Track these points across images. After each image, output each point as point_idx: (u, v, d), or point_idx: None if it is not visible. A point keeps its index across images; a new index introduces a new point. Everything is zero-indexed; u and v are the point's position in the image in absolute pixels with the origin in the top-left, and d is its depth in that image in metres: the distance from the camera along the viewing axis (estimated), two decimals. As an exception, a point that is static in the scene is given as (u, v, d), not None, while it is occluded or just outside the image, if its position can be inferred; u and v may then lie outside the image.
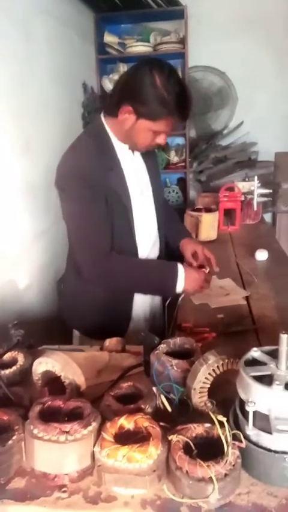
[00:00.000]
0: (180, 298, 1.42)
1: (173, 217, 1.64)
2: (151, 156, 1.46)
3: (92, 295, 1.38)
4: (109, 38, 3.08)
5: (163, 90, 1.14)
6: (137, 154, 1.38)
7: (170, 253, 1.57)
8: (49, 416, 0.74)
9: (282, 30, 3.18)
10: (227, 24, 3.18)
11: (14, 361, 0.97)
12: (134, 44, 3.06)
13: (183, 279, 1.29)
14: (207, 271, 1.42)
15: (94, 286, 1.35)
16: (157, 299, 1.57)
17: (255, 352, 0.76)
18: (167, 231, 1.52)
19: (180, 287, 1.29)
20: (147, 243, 1.42)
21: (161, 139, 1.26)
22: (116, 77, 3.15)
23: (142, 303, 1.47)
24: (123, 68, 3.14)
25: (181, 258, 1.53)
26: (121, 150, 1.31)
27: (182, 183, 3.42)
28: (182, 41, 3.06)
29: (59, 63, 2.32)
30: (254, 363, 0.76)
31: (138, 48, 3.04)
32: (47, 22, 2.15)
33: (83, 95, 2.78)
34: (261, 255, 1.78)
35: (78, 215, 1.25)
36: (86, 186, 1.21)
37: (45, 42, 2.12)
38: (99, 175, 1.22)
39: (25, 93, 1.90)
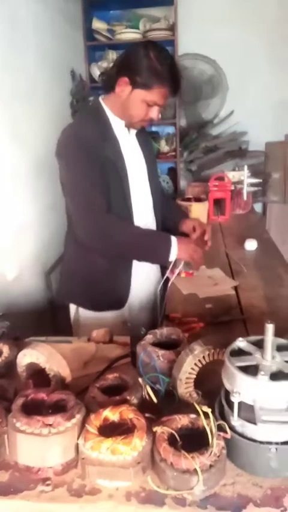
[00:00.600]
0: (169, 283, 1.45)
1: (169, 200, 1.74)
2: (146, 139, 1.54)
3: (91, 264, 1.43)
4: (98, 24, 3.01)
5: (156, 61, 1.26)
6: (132, 134, 1.45)
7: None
8: (33, 409, 0.73)
9: (274, 18, 3.14)
10: (218, 10, 3.13)
11: (-2, 354, 0.96)
12: (123, 30, 2.99)
13: (176, 248, 1.35)
14: (207, 247, 1.47)
15: (93, 255, 1.40)
16: (156, 284, 1.60)
17: (241, 342, 0.75)
18: (165, 214, 1.58)
19: (173, 255, 1.35)
20: (143, 218, 1.46)
21: (154, 113, 1.34)
22: (104, 64, 3.09)
23: (141, 281, 1.51)
24: (112, 54, 3.08)
25: None
26: (117, 126, 1.39)
27: (172, 172, 3.40)
28: (172, 28, 3.00)
29: (46, 50, 2.26)
30: (240, 353, 0.75)
31: (128, 35, 2.98)
32: (33, 7, 2.08)
33: (71, 82, 2.73)
34: (251, 245, 1.78)
35: (75, 177, 1.31)
36: (82, 150, 1.29)
37: (31, 28, 2.06)
38: (95, 143, 1.30)
39: (12, 80, 1.85)
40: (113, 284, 1.44)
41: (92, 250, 1.39)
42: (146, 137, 1.56)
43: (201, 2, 3.12)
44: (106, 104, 1.38)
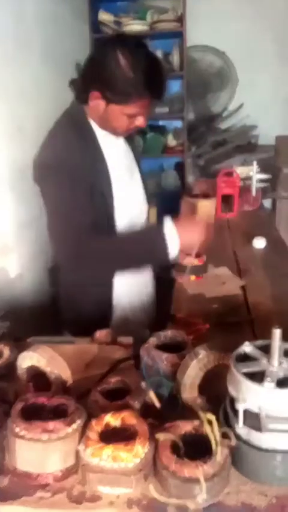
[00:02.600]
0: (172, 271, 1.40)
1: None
2: (131, 139, 1.40)
3: (73, 283, 1.32)
4: (104, 16, 2.97)
5: (128, 69, 1.05)
6: (118, 144, 1.31)
7: None
8: (33, 414, 0.71)
9: (284, 10, 3.07)
10: (227, 2, 3.08)
11: (-1, 354, 0.95)
12: (130, 22, 2.96)
13: (175, 238, 1.13)
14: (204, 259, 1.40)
15: (74, 276, 1.28)
16: (148, 287, 1.50)
17: (247, 347, 0.73)
18: None
19: (174, 248, 1.14)
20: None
21: (139, 122, 1.17)
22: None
23: (126, 290, 1.37)
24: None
25: None
26: (103, 135, 1.23)
27: (180, 167, 3.36)
28: (180, 19, 2.95)
29: (51, 43, 2.24)
30: (246, 358, 0.72)
31: (135, 26, 2.94)
32: (37, 1, 2.06)
33: (76, 75, 2.69)
34: (259, 243, 1.74)
35: (58, 200, 1.16)
36: (67, 173, 1.12)
37: (36, 21, 2.04)
38: (82, 166, 1.14)
39: (15, 73, 1.83)
40: (92, 303, 1.30)
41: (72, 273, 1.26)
42: (131, 141, 1.41)
43: (210, -8, 3.06)
44: (87, 112, 1.20)
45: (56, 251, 1.21)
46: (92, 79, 1.10)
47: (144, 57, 1.07)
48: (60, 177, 1.13)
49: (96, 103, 1.12)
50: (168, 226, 1.15)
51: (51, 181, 1.15)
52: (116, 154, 1.27)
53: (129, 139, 1.37)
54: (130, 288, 1.38)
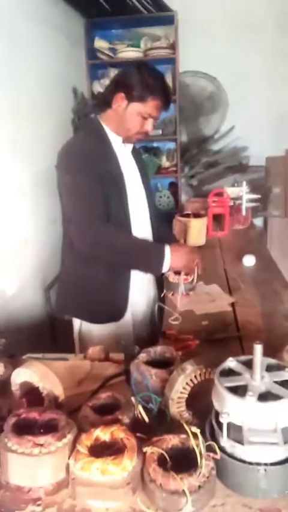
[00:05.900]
0: (162, 294, 1.52)
1: (161, 223, 1.75)
2: (139, 156, 1.64)
3: (90, 277, 1.48)
4: (100, 43, 3.08)
5: (148, 77, 1.40)
6: (128, 151, 1.55)
7: None
8: (25, 429, 0.73)
9: (273, 35, 3.19)
10: (217, 29, 3.20)
11: (-6, 371, 0.97)
12: (125, 49, 3.06)
13: (169, 259, 1.40)
14: (190, 279, 1.45)
15: (92, 268, 1.45)
16: (153, 295, 1.67)
17: (231, 362, 0.76)
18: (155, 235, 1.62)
19: (166, 266, 1.41)
20: (141, 230, 1.53)
21: (149, 125, 1.45)
22: (106, 82, 3.15)
23: (139, 294, 1.57)
24: (113, 73, 3.14)
25: None
26: (115, 142, 1.48)
27: (173, 187, 3.43)
28: (173, 46, 3.06)
29: (47, 68, 2.32)
30: (230, 373, 0.76)
31: (129, 53, 3.04)
32: (34, 27, 2.14)
33: (73, 100, 2.78)
34: (249, 261, 1.79)
35: (75, 187, 1.38)
36: (83, 162, 1.38)
37: (32, 47, 2.12)
38: (97, 158, 1.40)
39: (11, 97, 1.89)
40: (112, 296, 1.48)
41: (89, 260, 1.44)
42: (139, 154, 1.67)
43: (201, 21, 3.18)
44: (104, 122, 1.48)
45: (75, 237, 1.41)
46: (120, 84, 1.43)
47: (159, 76, 1.45)
48: (76, 159, 1.40)
49: (119, 103, 1.42)
50: (167, 248, 1.42)
51: (68, 163, 1.41)
52: (125, 159, 1.51)
53: (139, 159, 1.63)
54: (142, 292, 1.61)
